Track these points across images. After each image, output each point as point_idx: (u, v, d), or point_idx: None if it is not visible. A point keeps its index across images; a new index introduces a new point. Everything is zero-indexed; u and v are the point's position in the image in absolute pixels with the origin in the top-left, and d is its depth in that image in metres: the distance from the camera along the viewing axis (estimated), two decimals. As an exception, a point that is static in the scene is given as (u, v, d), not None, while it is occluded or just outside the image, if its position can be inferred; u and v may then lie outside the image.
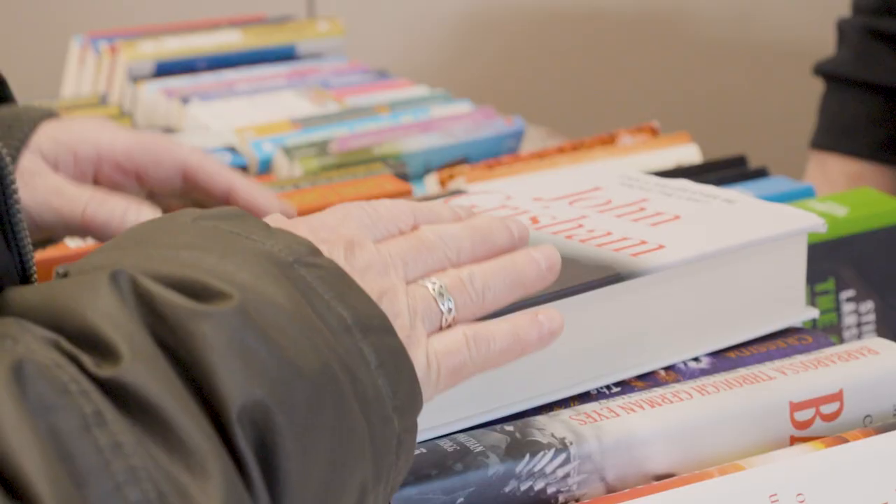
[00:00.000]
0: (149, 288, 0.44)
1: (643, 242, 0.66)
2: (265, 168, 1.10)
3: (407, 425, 0.49)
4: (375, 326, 0.48)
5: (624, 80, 2.13)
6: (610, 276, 0.62)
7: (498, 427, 0.59)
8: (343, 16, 1.52)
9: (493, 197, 0.75)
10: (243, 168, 1.07)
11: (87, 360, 0.42)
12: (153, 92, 1.28)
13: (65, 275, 0.47)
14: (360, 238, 0.52)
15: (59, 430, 0.40)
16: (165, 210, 0.70)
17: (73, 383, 0.41)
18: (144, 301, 0.44)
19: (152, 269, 0.45)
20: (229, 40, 1.38)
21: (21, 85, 2.02)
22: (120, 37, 1.38)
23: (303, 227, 0.52)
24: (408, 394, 0.49)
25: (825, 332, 0.88)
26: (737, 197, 0.72)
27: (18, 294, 0.45)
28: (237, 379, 0.43)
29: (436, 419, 0.59)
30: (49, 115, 0.67)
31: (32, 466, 0.39)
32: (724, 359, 0.66)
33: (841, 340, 0.90)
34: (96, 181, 0.67)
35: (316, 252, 0.49)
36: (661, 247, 0.65)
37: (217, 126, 1.18)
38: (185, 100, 1.24)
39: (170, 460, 0.41)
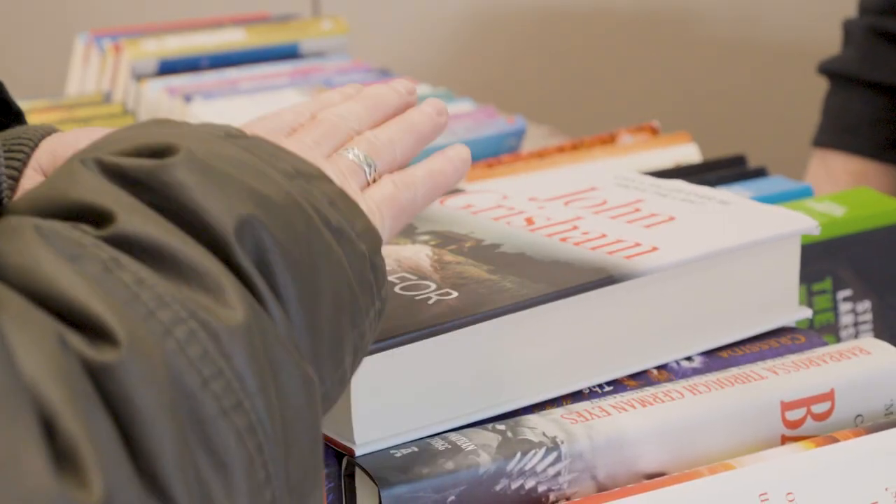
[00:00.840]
0: (114, 161, 0.48)
1: (637, 244, 0.66)
2: (267, 166, 1.10)
3: (372, 248, 0.53)
4: (316, 175, 0.52)
5: (626, 79, 2.13)
6: (604, 278, 0.63)
7: (489, 426, 0.59)
8: (348, 14, 1.53)
9: (490, 196, 0.75)
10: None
11: (86, 227, 0.46)
12: (156, 90, 1.28)
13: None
14: (271, 133, 0.56)
15: (87, 272, 0.44)
16: None
17: (85, 237, 0.45)
18: (115, 172, 0.48)
19: (109, 150, 0.49)
20: (233, 39, 1.39)
21: (27, 83, 2.03)
22: (124, 35, 1.39)
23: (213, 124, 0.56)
24: (364, 225, 0.53)
25: (822, 332, 0.88)
26: (731, 198, 0.73)
27: (11, 204, 0.49)
28: (222, 206, 0.47)
29: (427, 418, 0.59)
30: (49, 131, 0.68)
31: (83, 296, 0.43)
32: (717, 358, 0.67)
33: (838, 340, 0.90)
34: None
35: (241, 133, 0.53)
36: (655, 249, 0.65)
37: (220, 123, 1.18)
38: (187, 98, 1.24)
39: (188, 286, 0.45)
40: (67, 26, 1.76)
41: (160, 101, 1.28)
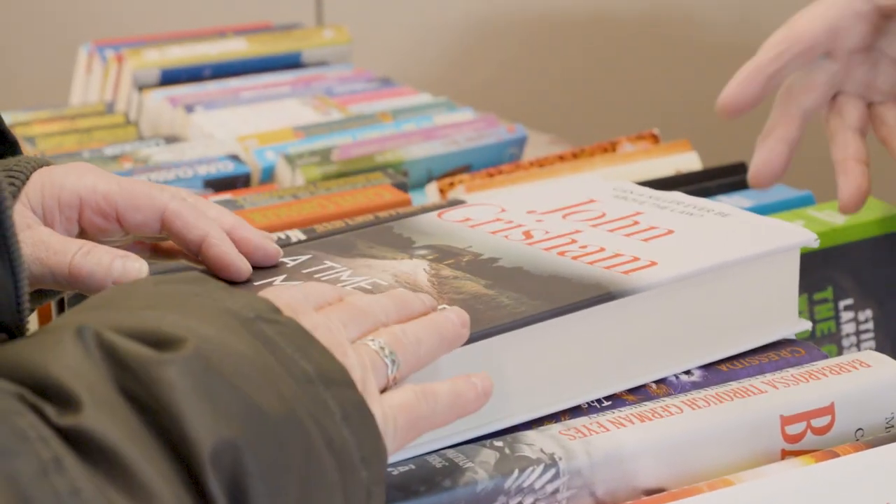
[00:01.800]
0: (112, 340, 0.46)
1: (635, 259, 0.66)
2: (268, 176, 1.10)
3: (375, 477, 0.50)
4: (337, 380, 0.50)
5: (627, 87, 2.13)
6: (601, 294, 0.63)
7: (487, 442, 0.59)
8: (350, 23, 1.53)
9: (488, 210, 0.75)
10: (246, 176, 1.08)
11: (49, 409, 0.43)
12: (158, 100, 1.28)
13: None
14: (301, 305, 0.54)
15: (18, 475, 0.40)
16: (153, 250, 0.70)
17: (31, 429, 0.42)
18: (108, 353, 0.45)
19: (114, 324, 0.47)
20: (235, 48, 1.39)
21: (30, 92, 2.03)
22: (126, 45, 1.39)
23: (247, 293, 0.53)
24: (373, 446, 0.50)
25: (823, 341, 0.88)
26: (730, 210, 0.72)
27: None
28: (206, 421, 0.44)
29: (424, 435, 0.59)
30: (41, 164, 0.68)
31: None
32: (716, 372, 0.66)
33: (839, 349, 0.90)
34: (80, 226, 0.68)
35: (276, 310, 0.51)
36: (653, 263, 0.65)
37: (221, 134, 1.18)
38: (189, 108, 1.24)
39: None
40: (71, 36, 1.76)
41: (162, 110, 1.28)
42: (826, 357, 0.68)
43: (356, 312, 0.56)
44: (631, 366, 0.64)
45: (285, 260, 0.69)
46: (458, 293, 0.63)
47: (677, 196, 0.75)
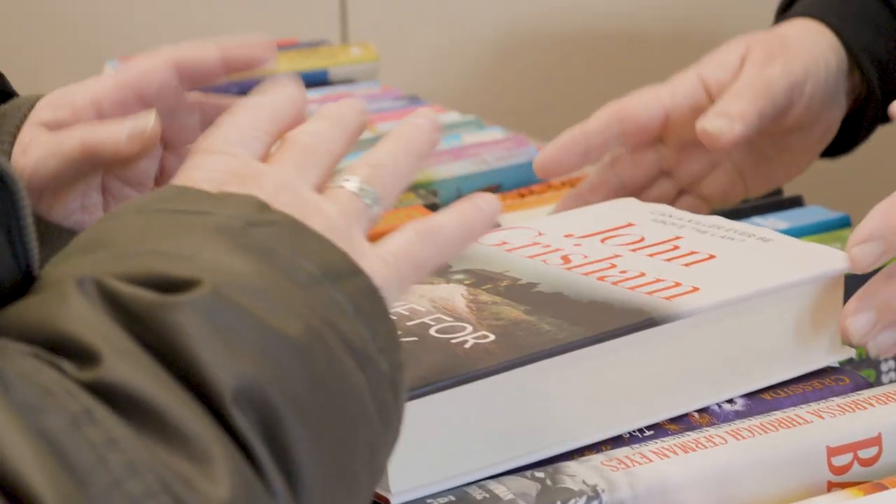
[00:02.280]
0: (115, 288, 0.44)
1: (677, 284, 0.65)
2: (296, 196, 1.09)
3: (395, 364, 0.48)
4: (342, 271, 0.47)
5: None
6: (644, 320, 0.61)
7: (528, 473, 0.58)
8: (376, 40, 1.52)
9: (525, 233, 0.74)
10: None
11: (67, 365, 0.42)
12: (185, 118, 1.28)
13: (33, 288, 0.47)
14: (253, 167, 0.51)
15: (50, 430, 0.39)
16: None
17: (56, 385, 0.41)
18: (113, 302, 0.44)
19: (114, 270, 0.45)
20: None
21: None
22: (152, 62, 1.38)
23: (202, 177, 0.50)
24: (387, 332, 0.48)
25: (862, 366, 0.86)
26: (772, 235, 0.71)
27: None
28: (223, 362, 0.42)
29: (465, 465, 0.58)
30: (39, 97, 0.68)
31: (29, 468, 0.38)
32: (760, 401, 0.65)
33: (877, 373, 0.88)
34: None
35: (263, 207, 0.48)
36: (695, 289, 0.64)
37: (248, 153, 1.17)
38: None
39: (168, 450, 0.40)
40: (97, 52, 1.76)
41: (189, 129, 1.27)
42: (870, 385, 0.67)
43: (307, 153, 0.52)
44: (674, 394, 0.63)
45: None
46: (498, 319, 0.62)
47: (717, 220, 0.73)
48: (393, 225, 0.91)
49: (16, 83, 1.84)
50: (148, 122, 0.63)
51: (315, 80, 1.39)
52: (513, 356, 0.58)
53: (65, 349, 0.42)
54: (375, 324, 0.48)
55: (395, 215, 0.93)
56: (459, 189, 1.10)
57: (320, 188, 0.52)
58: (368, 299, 0.48)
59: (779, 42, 0.88)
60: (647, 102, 0.86)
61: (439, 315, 0.63)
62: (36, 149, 0.64)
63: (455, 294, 0.66)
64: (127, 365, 0.42)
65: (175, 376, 0.42)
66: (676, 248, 0.70)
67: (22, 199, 0.48)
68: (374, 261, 0.50)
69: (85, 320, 0.43)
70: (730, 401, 0.65)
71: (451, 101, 1.50)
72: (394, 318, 0.50)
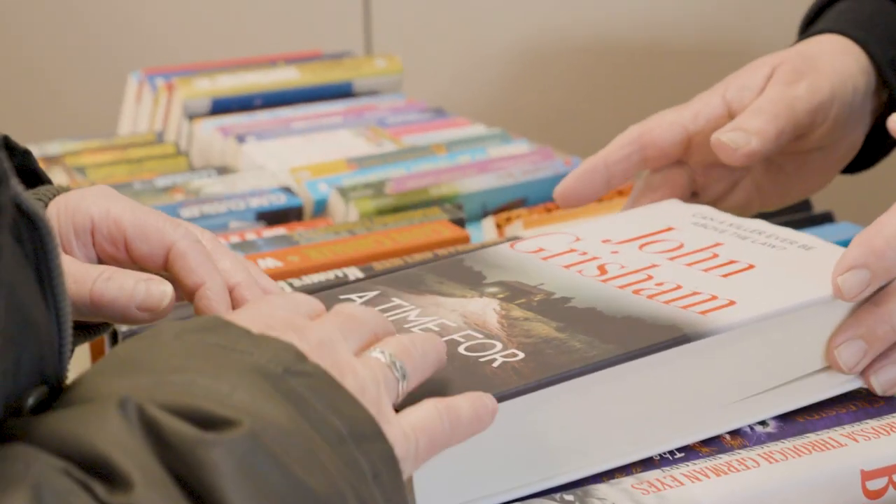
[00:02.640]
0: (156, 417, 0.45)
1: (714, 297, 0.63)
2: (320, 209, 1.09)
3: None
4: (367, 434, 0.49)
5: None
6: (677, 337, 0.60)
7: (557, 496, 0.57)
8: (401, 52, 1.52)
9: (561, 238, 0.73)
10: (299, 209, 1.07)
11: (99, 487, 0.43)
12: (209, 130, 1.27)
13: (70, 396, 0.47)
14: (299, 320, 0.53)
15: None
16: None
17: None
18: (152, 430, 0.45)
19: (156, 398, 0.46)
20: (286, 77, 1.38)
21: (81, 121, 2.03)
22: (177, 73, 1.38)
23: (247, 319, 0.52)
24: (399, 497, 0.49)
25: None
26: (815, 243, 0.69)
27: (25, 421, 0.46)
28: None
29: (492, 487, 0.57)
30: (60, 192, 0.67)
31: None
32: (792, 423, 0.64)
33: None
34: (96, 252, 0.66)
35: (301, 358, 0.50)
36: (731, 303, 0.63)
37: (272, 165, 1.17)
38: (240, 138, 1.23)
39: None
40: (121, 64, 1.76)
41: (213, 140, 1.27)
42: (905, 407, 0.65)
43: (352, 321, 0.54)
44: (706, 415, 0.62)
45: (352, 297, 0.68)
46: (528, 336, 0.61)
47: (759, 225, 0.72)
48: (417, 240, 0.91)
49: (39, 96, 1.85)
50: (164, 298, 0.62)
51: (339, 92, 1.38)
52: (540, 375, 0.57)
53: (98, 470, 0.43)
54: (391, 493, 0.49)
55: (421, 230, 0.92)
56: (485, 203, 1.09)
57: (356, 354, 0.53)
58: (387, 468, 0.49)
59: (807, 61, 0.87)
60: (670, 126, 0.85)
61: (470, 332, 0.62)
62: None
63: (487, 309, 0.65)
64: (157, 497, 0.43)
65: None
66: (716, 255, 0.69)
67: (52, 240, 0.49)
68: (398, 431, 0.51)
69: (122, 445, 0.44)
70: (762, 422, 0.64)
71: (476, 114, 1.50)
72: (405, 488, 0.51)
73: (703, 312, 0.62)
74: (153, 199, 1.08)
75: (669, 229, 0.72)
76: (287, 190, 1.08)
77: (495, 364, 0.59)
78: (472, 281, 0.68)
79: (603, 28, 2.06)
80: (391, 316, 0.65)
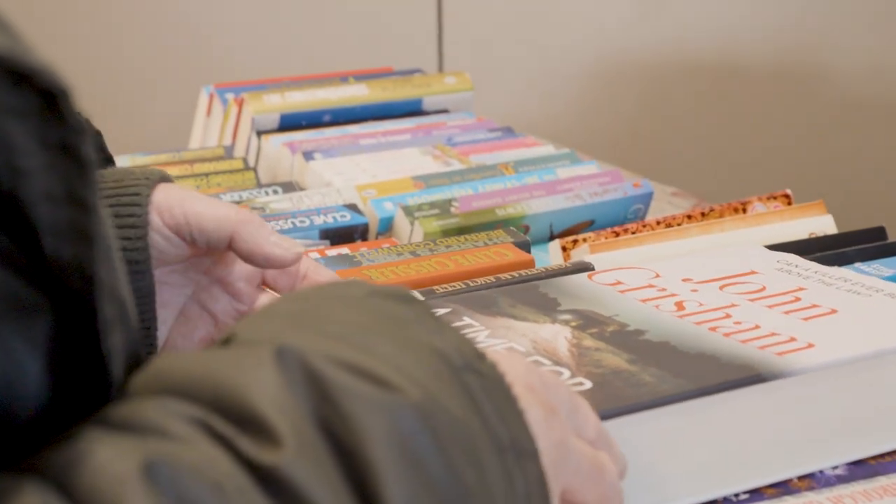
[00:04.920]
0: (322, 370, 0.42)
1: (792, 339, 0.62)
2: (385, 228, 1.08)
3: None
4: (527, 450, 0.47)
5: (756, 138, 2.08)
6: (750, 376, 0.59)
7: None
8: (472, 69, 1.51)
9: (642, 274, 0.72)
10: (364, 227, 1.06)
11: (245, 442, 0.40)
12: (277, 146, 1.27)
13: (226, 342, 0.45)
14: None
15: None
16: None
17: (228, 481, 0.39)
18: (316, 383, 0.42)
19: (325, 350, 0.43)
20: (355, 94, 1.37)
21: (153, 135, 2.04)
22: (247, 88, 1.38)
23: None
24: None
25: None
26: None
27: (175, 363, 0.44)
28: (404, 488, 0.41)
29: None
30: (157, 179, 0.67)
31: None
32: (863, 465, 0.62)
33: None
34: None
35: (480, 356, 0.47)
36: (810, 346, 0.61)
37: (339, 182, 1.16)
38: (308, 155, 1.23)
39: None
40: (193, 78, 1.76)
41: (281, 156, 1.26)
42: (981, 450, 0.63)
43: (579, 407, 0.52)
44: (776, 457, 0.60)
45: None
46: (598, 367, 0.60)
47: (845, 273, 0.71)
48: (481, 263, 0.89)
49: (115, 109, 1.86)
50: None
51: (408, 109, 1.37)
52: (607, 406, 0.56)
53: (247, 423, 0.41)
54: None
55: (485, 253, 0.91)
56: (552, 224, 1.08)
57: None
58: (538, 492, 0.47)
59: None
60: None
61: (538, 357, 0.61)
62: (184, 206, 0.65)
63: (558, 336, 0.63)
64: (308, 465, 0.40)
65: (351, 478, 0.41)
66: (798, 300, 0.67)
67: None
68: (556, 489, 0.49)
69: (275, 399, 0.41)
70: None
71: (545, 134, 1.48)
72: None
73: (780, 353, 0.60)
74: (219, 214, 1.08)
75: (752, 273, 0.71)
76: (352, 208, 1.07)
77: None
78: (546, 307, 0.67)
79: (677, 49, 2.04)
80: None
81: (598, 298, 0.68)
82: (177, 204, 0.65)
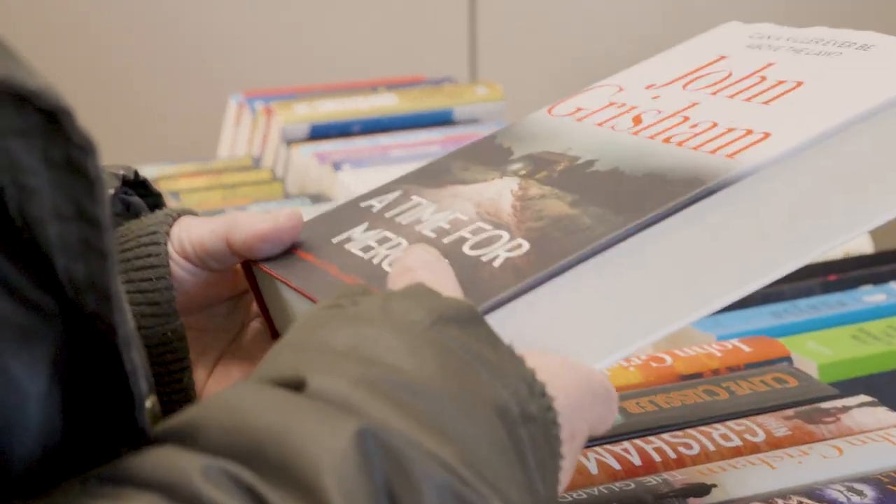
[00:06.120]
0: (398, 447, 0.41)
1: (748, 133, 0.56)
2: (413, 241, 1.07)
3: None
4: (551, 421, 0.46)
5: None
6: (697, 192, 0.53)
7: None
8: (505, 78, 1.49)
9: (603, 92, 0.67)
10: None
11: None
12: (306, 156, 1.26)
13: (295, 385, 0.43)
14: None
15: None
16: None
17: None
18: (399, 478, 0.40)
19: (405, 436, 0.41)
20: (385, 104, 1.36)
21: (181, 143, 2.04)
22: (276, 97, 1.37)
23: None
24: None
25: None
26: (876, 40, 0.61)
27: (226, 411, 0.41)
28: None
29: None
30: (175, 216, 0.65)
31: None
32: (891, 495, 0.60)
33: None
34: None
35: (535, 391, 0.46)
36: (766, 136, 0.55)
37: (367, 195, 1.15)
38: (337, 165, 1.22)
39: None
40: (222, 86, 1.76)
41: (309, 167, 1.26)
42: None
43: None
44: (732, 270, 0.54)
45: (373, 203, 0.64)
46: (539, 219, 0.56)
47: (818, 33, 0.64)
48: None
49: (143, 117, 1.86)
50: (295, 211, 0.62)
51: (439, 120, 1.36)
52: (539, 270, 0.52)
53: (303, 494, 0.39)
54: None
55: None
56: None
57: None
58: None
59: None
60: None
61: (480, 224, 0.57)
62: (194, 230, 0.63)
63: (504, 192, 0.60)
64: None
65: None
66: (763, 79, 0.61)
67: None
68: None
69: (345, 483, 0.39)
70: (858, 493, 0.60)
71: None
72: None
73: (731, 155, 0.55)
74: (244, 226, 1.07)
75: (721, 59, 0.66)
76: (379, 221, 1.06)
77: (496, 263, 0.54)
78: (498, 160, 0.63)
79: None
80: (406, 217, 0.61)
81: (554, 134, 0.64)
82: (184, 230, 0.63)
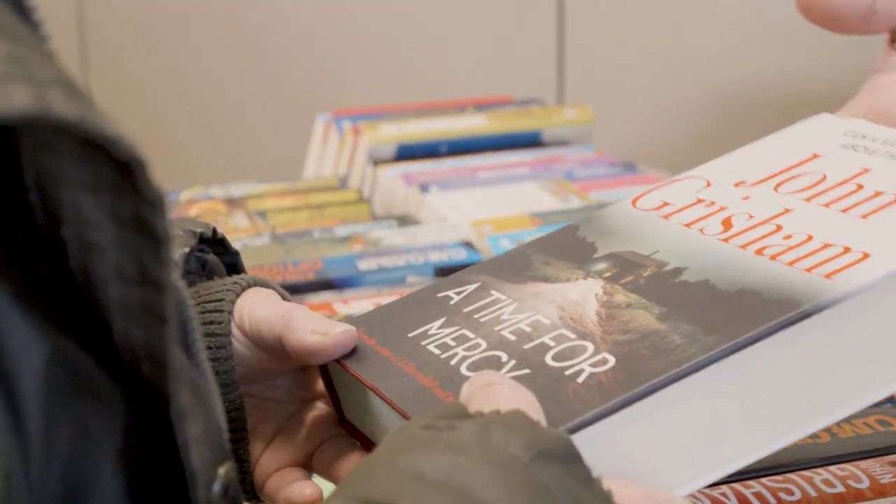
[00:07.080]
0: None
1: (846, 251, 0.54)
2: (501, 266, 1.05)
3: None
4: None
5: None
6: (791, 316, 0.51)
7: None
8: (593, 99, 1.47)
9: (689, 185, 0.64)
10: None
11: None
12: (393, 177, 1.25)
13: None
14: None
15: None
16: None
17: None
18: None
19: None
20: (473, 124, 1.35)
21: (269, 162, 2.04)
22: (363, 116, 1.37)
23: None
24: None
25: None
26: None
27: None
28: None
29: None
30: (244, 286, 0.63)
31: None
32: None
33: None
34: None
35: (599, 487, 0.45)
36: (865, 256, 0.53)
37: (455, 217, 1.14)
38: (423, 187, 1.21)
39: None
40: (309, 105, 1.76)
41: (396, 188, 1.24)
42: None
43: None
44: (831, 396, 0.52)
45: (450, 294, 0.62)
46: (625, 332, 0.54)
47: None
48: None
49: (231, 135, 1.86)
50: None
51: (527, 141, 1.35)
52: (625, 391, 0.50)
53: None
54: None
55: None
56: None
57: None
58: None
59: None
60: None
61: (563, 331, 0.55)
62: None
63: (588, 296, 0.58)
64: None
65: None
66: (860, 188, 0.59)
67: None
68: None
69: None
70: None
71: (669, 166, 1.44)
72: None
73: (828, 275, 0.52)
74: (332, 248, 1.06)
75: (814, 157, 0.63)
76: (468, 245, 1.05)
77: (580, 378, 0.52)
78: (582, 256, 0.61)
79: (803, 80, 1.98)
80: (485, 315, 0.59)
81: (639, 232, 0.61)
82: (246, 307, 0.61)
